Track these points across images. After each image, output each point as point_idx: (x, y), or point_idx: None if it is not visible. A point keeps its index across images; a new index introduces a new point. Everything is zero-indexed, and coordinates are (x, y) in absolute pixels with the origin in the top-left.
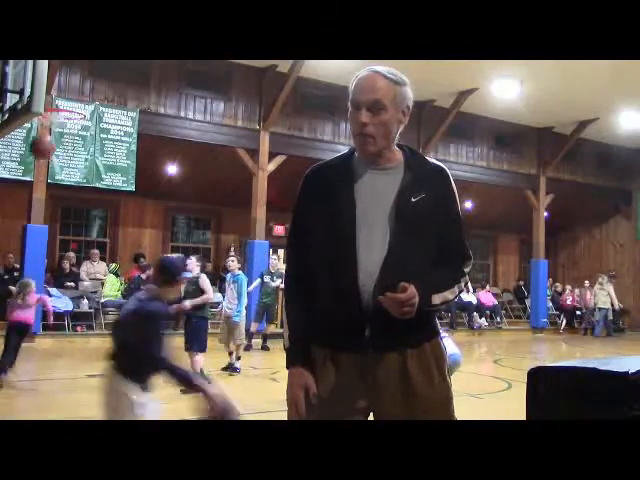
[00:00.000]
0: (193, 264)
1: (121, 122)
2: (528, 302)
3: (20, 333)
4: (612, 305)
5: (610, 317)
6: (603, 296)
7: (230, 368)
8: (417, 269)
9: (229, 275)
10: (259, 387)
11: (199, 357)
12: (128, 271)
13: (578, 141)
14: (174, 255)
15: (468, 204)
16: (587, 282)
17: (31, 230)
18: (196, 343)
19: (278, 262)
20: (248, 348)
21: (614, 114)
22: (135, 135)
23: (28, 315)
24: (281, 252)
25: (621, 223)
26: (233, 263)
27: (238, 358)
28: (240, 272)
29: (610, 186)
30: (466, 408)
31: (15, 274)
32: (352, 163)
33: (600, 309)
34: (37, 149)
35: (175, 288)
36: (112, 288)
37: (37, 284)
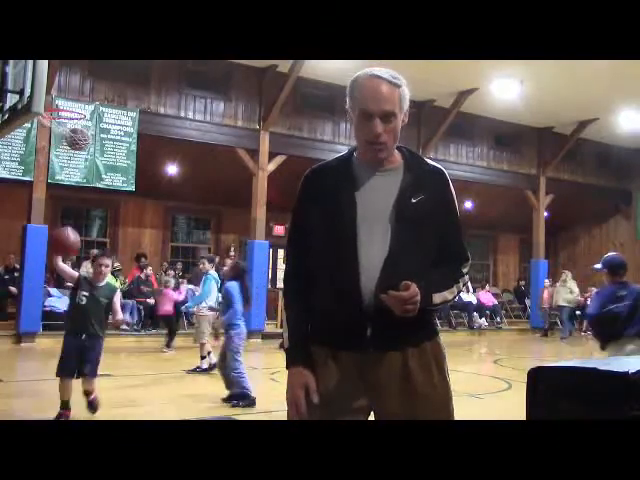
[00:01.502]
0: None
1: (121, 122)
2: (528, 302)
3: (166, 323)
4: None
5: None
6: (565, 293)
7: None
8: (417, 269)
9: None
10: (259, 387)
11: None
12: (128, 271)
13: (578, 141)
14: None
15: (468, 204)
16: (547, 281)
17: (31, 230)
18: (91, 365)
19: None
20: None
21: (614, 114)
22: (135, 135)
23: (167, 308)
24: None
25: (621, 223)
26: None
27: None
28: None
29: (610, 186)
30: (466, 408)
31: (15, 274)
32: (352, 164)
33: (562, 307)
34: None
35: None
36: None
37: (37, 284)
